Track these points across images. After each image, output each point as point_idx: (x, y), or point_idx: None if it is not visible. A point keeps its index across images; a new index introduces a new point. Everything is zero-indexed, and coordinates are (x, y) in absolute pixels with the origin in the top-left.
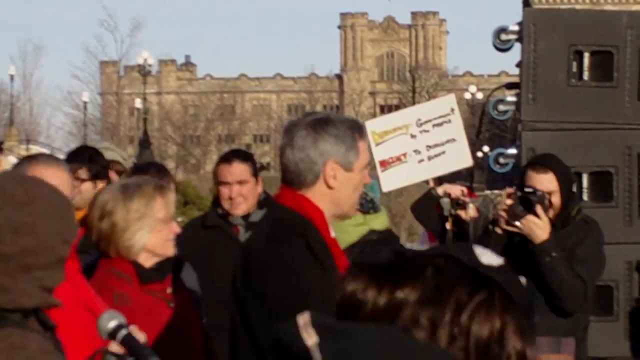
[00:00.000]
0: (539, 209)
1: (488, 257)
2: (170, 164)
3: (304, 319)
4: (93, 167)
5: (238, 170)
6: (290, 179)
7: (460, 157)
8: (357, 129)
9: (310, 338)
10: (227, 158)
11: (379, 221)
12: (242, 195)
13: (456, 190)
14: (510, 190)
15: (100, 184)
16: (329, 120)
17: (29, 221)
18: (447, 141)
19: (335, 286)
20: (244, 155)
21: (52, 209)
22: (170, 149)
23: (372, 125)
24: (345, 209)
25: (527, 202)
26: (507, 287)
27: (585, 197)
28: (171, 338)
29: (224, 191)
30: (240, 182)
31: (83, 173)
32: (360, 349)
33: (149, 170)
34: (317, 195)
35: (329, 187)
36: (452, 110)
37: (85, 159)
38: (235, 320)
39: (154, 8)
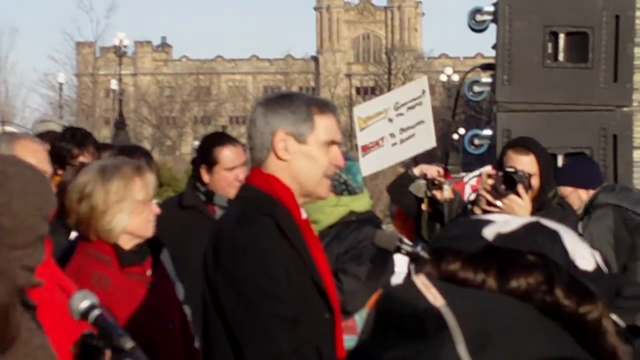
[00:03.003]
0: (520, 188)
1: (582, 258)
2: (146, 146)
3: (421, 280)
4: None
5: (242, 152)
6: (253, 157)
7: (426, 139)
8: (315, 104)
9: (437, 299)
10: (230, 141)
11: (360, 203)
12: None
13: (432, 170)
14: (490, 170)
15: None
16: (284, 96)
17: (5, 201)
18: (417, 123)
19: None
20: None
21: (28, 187)
22: (146, 131)
23: (359, 111)
24: (308, 186)
25: (510, 181)
26: (606, 296)
27: None
28: (150, 320)
29: (232, 175)
30: (244, 164)
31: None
32: (489, 311)
33: (134, 154)
34: (275, 170)
35: (280, 158)
36: (424, 92)
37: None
38: (207, 299)
39: None
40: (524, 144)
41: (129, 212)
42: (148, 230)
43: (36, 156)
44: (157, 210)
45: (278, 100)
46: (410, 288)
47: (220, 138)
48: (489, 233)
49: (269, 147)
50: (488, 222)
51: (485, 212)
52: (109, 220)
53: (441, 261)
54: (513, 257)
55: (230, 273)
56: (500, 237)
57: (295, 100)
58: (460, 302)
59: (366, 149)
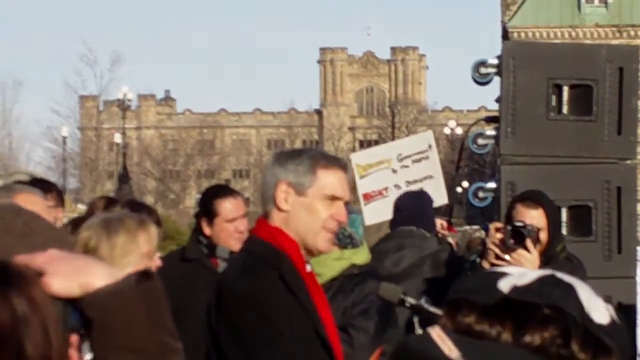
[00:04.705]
0: (529, 242)
1: (597, 312)
2: (149, 199)
3: (437, 332)
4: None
5: (242, 203)
6: (262, 209)
7: (436, 194)
8: (320, 159)
9: (452, 351)
10: (230, 193)
11: (360, 256)
12: (247, 228)
13: (436, 224)
14: (498, 224)
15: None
16: (294, 151)
17: (26, 252)
18: (425, 178)
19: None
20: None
21: (50, 244)
22: (150, 184)
23: (357, 159)
24: (307, 239)
25: (519, 236)
26: (620, 350)
27: (564, 231)
28: None
29: (233, 227)
30: (245, 215)
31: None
32: None
33: (141, 211)
34: (278, 222)
35: (280, 209)
36: (430, 146)
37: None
38: (211, 352)
39: (134, 42)
40: (533, 198)
41: (134, 267)
42: None
43: (37, 209)
44: (158, 262)
45: (287, 154)
46: (426, 340)
47: (220, 190)
48: (504, 286)
49: (271, 197)
50: (503, 274)
51: (493, 265)
52: None
53: (457, 313)
54: (529, 311)
55: (234, 324)
56: (516, 289)
57: (303, 154)
58: (476, 355)
59: (368, 197)
